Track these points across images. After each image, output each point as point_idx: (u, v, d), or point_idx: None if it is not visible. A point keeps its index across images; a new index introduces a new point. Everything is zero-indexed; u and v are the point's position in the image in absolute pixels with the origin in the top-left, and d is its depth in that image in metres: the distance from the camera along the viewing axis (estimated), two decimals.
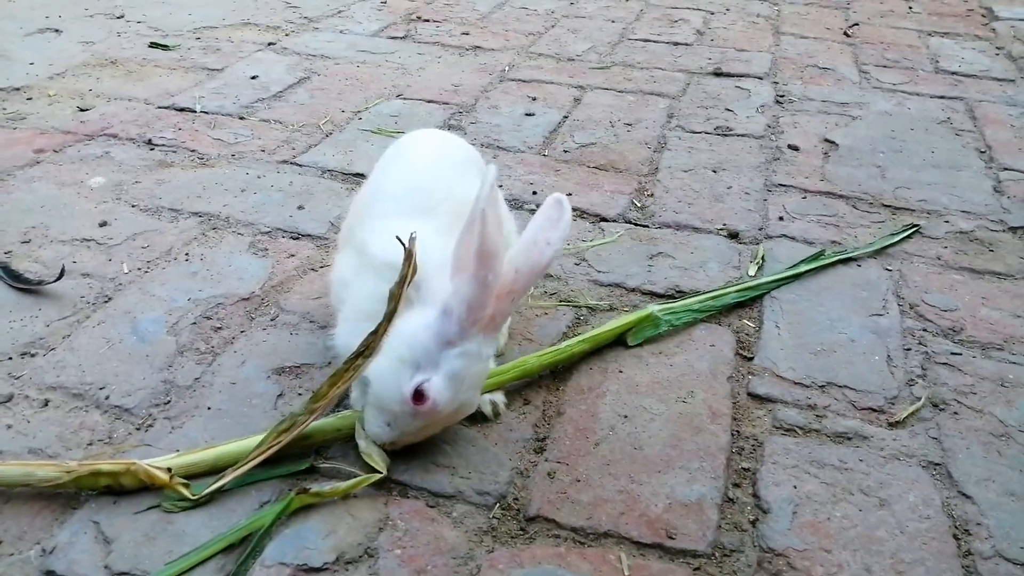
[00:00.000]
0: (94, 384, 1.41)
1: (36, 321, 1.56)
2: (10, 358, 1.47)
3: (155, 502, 1.18)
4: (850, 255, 1.82)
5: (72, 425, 1.32)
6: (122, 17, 3.34)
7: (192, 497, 1.18)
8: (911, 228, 1.94)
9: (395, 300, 1.20)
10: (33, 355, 1.48)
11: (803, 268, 1.77)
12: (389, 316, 1.20)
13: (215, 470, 1.22)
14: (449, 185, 1.34)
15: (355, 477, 1.21)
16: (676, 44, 3.23)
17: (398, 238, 1.20)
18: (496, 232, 1.13)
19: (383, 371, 1.20)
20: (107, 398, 1.38)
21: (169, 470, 1.19)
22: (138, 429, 1.32)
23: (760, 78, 2.89)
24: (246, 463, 1.21)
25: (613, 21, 3.51)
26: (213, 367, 1.46)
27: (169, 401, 1.38)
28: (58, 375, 1.43)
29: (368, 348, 1.21)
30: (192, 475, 1.21)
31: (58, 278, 1.64)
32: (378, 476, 1.21)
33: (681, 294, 1.69)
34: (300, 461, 1.25)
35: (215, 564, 1.10)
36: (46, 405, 1.36)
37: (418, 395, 1.16)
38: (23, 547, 1.12)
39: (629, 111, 2.58)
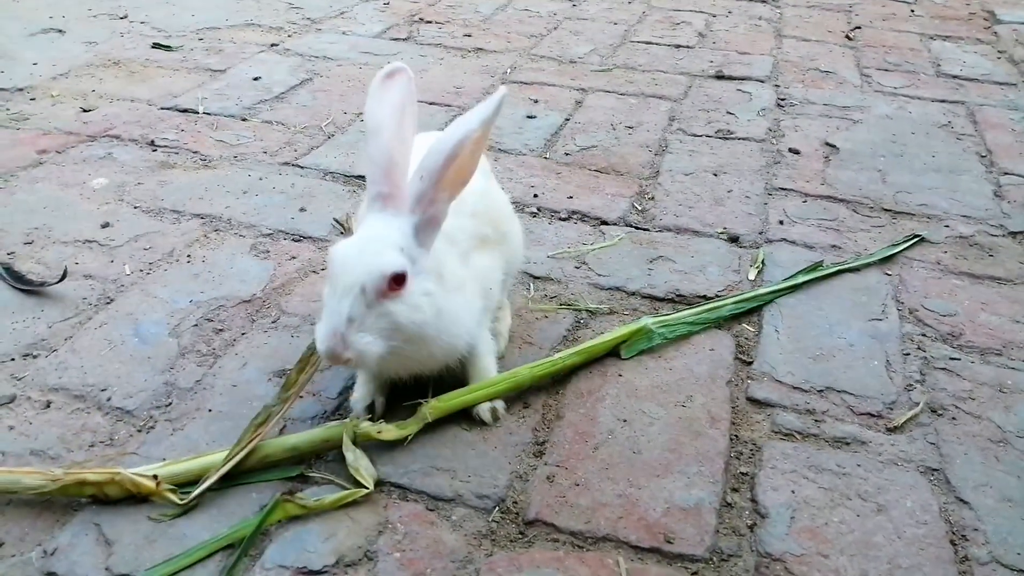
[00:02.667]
0: (96, 386, 1.42)
1: (38, 322, 1.57)
2: (12, 359, 1.47)
3: (149, 506, 1.19)
4: (849, 266, 1.81)
5: (74, 427, 1.33)
6: (125, 17, 3.35)
7: (180, 503, 1.18)
8: (913, 238, 1.92)
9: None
10: (35, 356, 1.48)
11: (801, 279, 1.75)
12: None
13: (202, 478, 1.21)
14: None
15: (343, 490, 1.21)
16: (678, 47, 3.23)
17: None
18: (381, 111, 1.25)
19: None
20: (109, 400, 1.39)
21: (155, 477, 1.19)
22: (139, 431, 1.33)
23: (762, 81, 2.89)
24: (228, 462, 1.22)
25: (615, 23, 3.51)
26: (214, 369, 1.47)
27: (170, 403, 1.39)
28: (60, 376, 1.44)
29: None
30: (179, 483, 1.21)
31: (60, 279, 1.65)
32: (364, 492, 1.21)
33: (681, 298, 1.70)
34: (291, 468, 1.26)
35: (213, 566, 1.11)
36: (48, 407, 1.37)
37: None
38: (24, 548, 1.13)
39: (630, 114, 2.59)
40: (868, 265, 1.82)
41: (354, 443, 1.25)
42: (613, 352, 1.52)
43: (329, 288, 1.18)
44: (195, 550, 1.12)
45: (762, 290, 1.70)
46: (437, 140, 1.21)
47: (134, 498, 1.19)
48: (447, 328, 1.26)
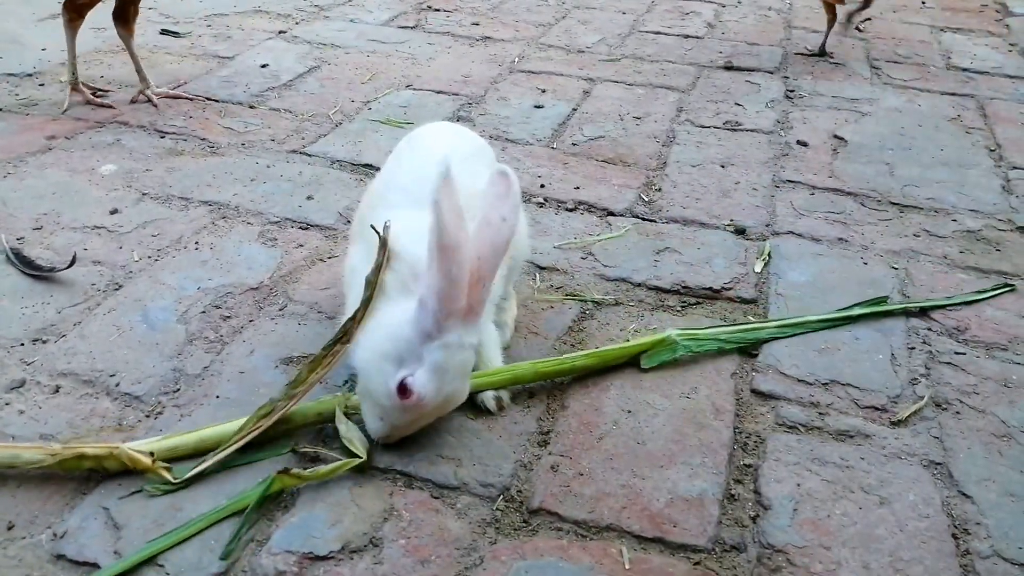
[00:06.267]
0: (104, 371, 1.43)
1: (48, 308, 1.58)
2: (22, 344, 1.49)
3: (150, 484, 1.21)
4: (920, 305, 1.65)
5: (83, 412, 1.34)
6: None
7: (174, 481, 1.20)
8: (1004, 288, 1.72)
9: (371, 287, 1.25)
10: (45, 341, 1.50)
11: (857, 312, 1.62)
12: (365, 303, 1.25)
13: (197, 454, 1.24)
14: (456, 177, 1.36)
15: (336, 461, 1.23)
16: (687, 37, 3.22)
17: (372, 227, 1.25)
18: (455, 224, 1.14)
19: (370, 367, 1.23)
20: (117, 385, 1.40)
21: (151, 454, 1.21)
22: (147, 416, 1.34)
23: (770, 72, 2.88)
24: (227, 447, 1.23)
25: (624, 13, 3.50)
26: (222, 356, 1.48)
27: (178, 389, 1.40)
28: (69, 362, 1.45)
29: (346, 335, 1.26)
30: (175, 459, 1.23)
31: (69, 265, 1.66)
32: (358, 461, 1.23)
33: (687, 290, 1.70)
34: (281, 445, 1.27)
35: (210, 538, 1.12)
36: (57, 391, 1.38)
37: (403, 389, 1.18)
38: (35, 531, 1.14)
39: (638, 104, 2.58)
40: (939, 307, 1.66)
41: (346, 416, 1.28)
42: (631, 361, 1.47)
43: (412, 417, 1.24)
44: (196, 521, 1.14)
45: (811, 317, 1.60)
46: (481, 243, 1.19)
47: (139, 479, 1.21)
48: None
